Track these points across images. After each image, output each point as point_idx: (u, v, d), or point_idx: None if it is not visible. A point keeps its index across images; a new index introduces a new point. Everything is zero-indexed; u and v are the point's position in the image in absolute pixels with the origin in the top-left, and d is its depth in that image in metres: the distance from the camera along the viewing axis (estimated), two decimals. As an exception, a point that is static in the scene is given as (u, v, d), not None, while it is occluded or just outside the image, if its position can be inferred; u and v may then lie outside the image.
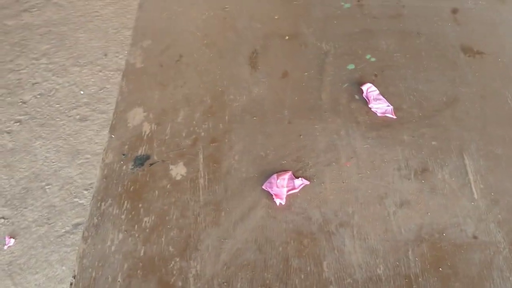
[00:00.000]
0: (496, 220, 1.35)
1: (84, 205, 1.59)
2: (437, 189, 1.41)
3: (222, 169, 1.46)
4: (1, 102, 1.73)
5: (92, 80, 1.78)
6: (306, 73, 1.68)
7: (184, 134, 1.54)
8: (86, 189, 1.62)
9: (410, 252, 1.30)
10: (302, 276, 1.26)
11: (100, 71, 1.80)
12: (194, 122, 1.57)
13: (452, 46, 1.73)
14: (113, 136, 1.54)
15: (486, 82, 1.63)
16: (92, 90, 1.75)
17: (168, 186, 1.43)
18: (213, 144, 1.52)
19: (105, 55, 1.84)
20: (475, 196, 1.40)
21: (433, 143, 1.50)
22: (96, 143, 1.67)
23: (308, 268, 1.28)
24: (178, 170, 1.46)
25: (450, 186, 1.41)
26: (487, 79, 1.64)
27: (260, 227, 1.35)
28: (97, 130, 1.68)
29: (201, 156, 1.49)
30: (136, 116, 1.58)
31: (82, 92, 1.74)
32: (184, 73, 1.70)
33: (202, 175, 1.45)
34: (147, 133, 1.54)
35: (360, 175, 1.44)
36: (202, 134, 1.54)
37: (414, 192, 1.41)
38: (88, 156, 1.66)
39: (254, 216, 1.37)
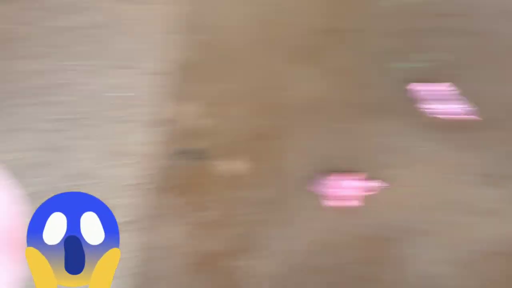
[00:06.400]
0: None
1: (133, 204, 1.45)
2: (524, 197, 1.26)
3: (285, 167, 1.34)
4: (39, 102, 1.64)
5: (137, 81, 1.69)
6: (368, 71, 1.56)
7: (241, 130, 1.43)
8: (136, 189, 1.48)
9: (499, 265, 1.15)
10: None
11: (147, 72, 1.70)
12: (251, 118, 1.46)
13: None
14: (165, 132, 1.44)
15: None
16: (138, 91, 1.66)
17: (225, 183, 1.31)
18: (273, 141, 1.40)
19: (151, 55, 1.74)
20: None
21: (515, 147, 1.36)
22: (144, 143, 1.55)
23: (383, 277, 1.14)
24: (236, 166, 1.34)
25: (538, 193, 1.27)
26: None
27: (329, 230, 1.21)
28: (145, 129, 1.57)
29: (259, 152, 1.37)
30: (189, 111, 1.48)
31: (129, 94, 1.65)
32: (238, 69, 1.60)
33: (263, 172, 1.33)
34: (201, 128, 1.43)
35: (435, 179, 1.30)
36: (260, 130, 1.42)
37: (498, 201, 1.26)
38: (136, 156, 1.54)
39: (324, 218, 1.23)
